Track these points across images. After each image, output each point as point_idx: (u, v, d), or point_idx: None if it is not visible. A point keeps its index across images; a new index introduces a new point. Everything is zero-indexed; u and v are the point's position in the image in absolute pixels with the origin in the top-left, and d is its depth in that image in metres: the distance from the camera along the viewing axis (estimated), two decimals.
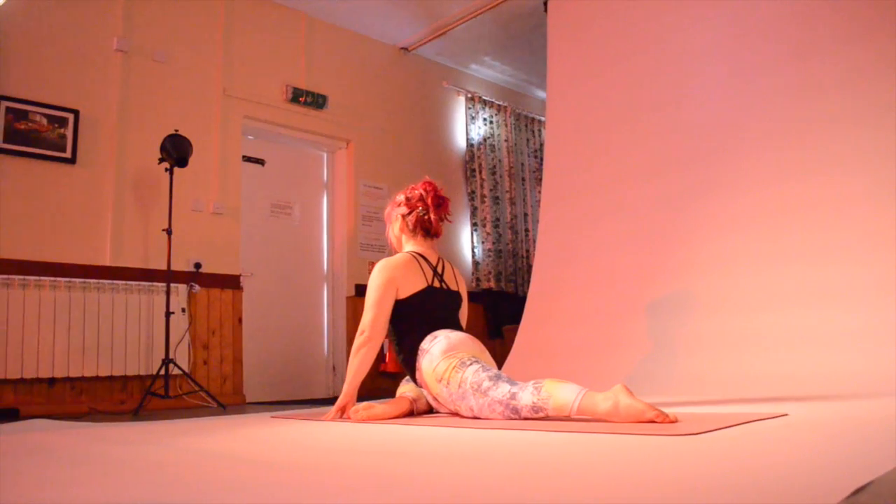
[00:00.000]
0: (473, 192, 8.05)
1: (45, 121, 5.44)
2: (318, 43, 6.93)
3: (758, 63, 5.20)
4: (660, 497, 2.33)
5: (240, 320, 6.06)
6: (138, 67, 5.84)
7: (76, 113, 5.53)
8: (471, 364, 3.96)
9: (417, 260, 4.45)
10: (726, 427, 3.32)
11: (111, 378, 5.40)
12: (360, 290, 6.78)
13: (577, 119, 6.16)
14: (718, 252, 5.03)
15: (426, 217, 4.45)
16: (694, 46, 5.49)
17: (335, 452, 3.40)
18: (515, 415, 3.72)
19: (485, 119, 8.21)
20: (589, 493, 2.49)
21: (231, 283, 6.06)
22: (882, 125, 4.51)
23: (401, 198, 4.54)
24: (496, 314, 7.87)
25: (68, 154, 5.49)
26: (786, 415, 3.55)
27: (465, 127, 8.09)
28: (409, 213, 4.51)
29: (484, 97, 8.29)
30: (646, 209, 5.49)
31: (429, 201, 4.46)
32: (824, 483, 2.35)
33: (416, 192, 4.53)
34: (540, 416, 3.68)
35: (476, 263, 7.99)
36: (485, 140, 8.15)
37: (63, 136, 5.49)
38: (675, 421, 3.38)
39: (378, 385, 6.06)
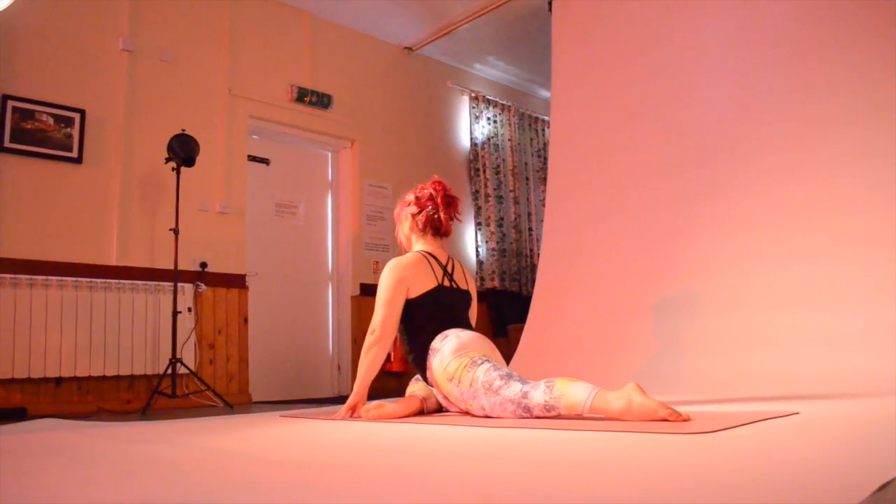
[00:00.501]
0: (477, 191, 8.11)
1: (51, 120, 5.48)
2: (322, 43, 6.97)
3: (761, 64, 5.27)
4: (678, 495, 2.37)
5: (245, 320, 6.11)
6: (144, 67, 5.88)
7: (82, 113, 5.57)
8: (482, 363, 4.00)
9: (427, 259, 4.49)
10: (739, 425, 3.32)
11: (118, 377, 5.45)
12: (365, 290, 6.83)
13: (582, 119, 6.20)
14: (725, 252, 5.10)
15: (436, 216, 4.48)
16: (698, 48, 5.55)
17: (347, 451, 3.42)
18: (527, 413, 3.75)
19: (489, 118, 8.26)
20: (603, 491, 2.52)
21: (237, 282, 6.11)
22: (884, 126, 4.56)
23: (410, 197, 4.58)
24: (501, 313, 7.92)
25: (75, 154, 5.54)
26: (797, 413, 3.57)
27: (469, 126, 8.15)
28: (419, 213, 4.56)
29: (488, 96, 8.34)
30: (651, 209, 5.54)
31: (438, 200, 4.50)
32: (846, 480, 2.39)
33: (426, 191, 4.57)
34: (552, 415, 3.70)
35: (480, 263, 8.05)
36: (489, 139, 8.20)
37: (69, 136, 5.53)
38: (687, 419, 3.41)
39: (383, 384, 6.09)
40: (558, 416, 3.71)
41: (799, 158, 4.95)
